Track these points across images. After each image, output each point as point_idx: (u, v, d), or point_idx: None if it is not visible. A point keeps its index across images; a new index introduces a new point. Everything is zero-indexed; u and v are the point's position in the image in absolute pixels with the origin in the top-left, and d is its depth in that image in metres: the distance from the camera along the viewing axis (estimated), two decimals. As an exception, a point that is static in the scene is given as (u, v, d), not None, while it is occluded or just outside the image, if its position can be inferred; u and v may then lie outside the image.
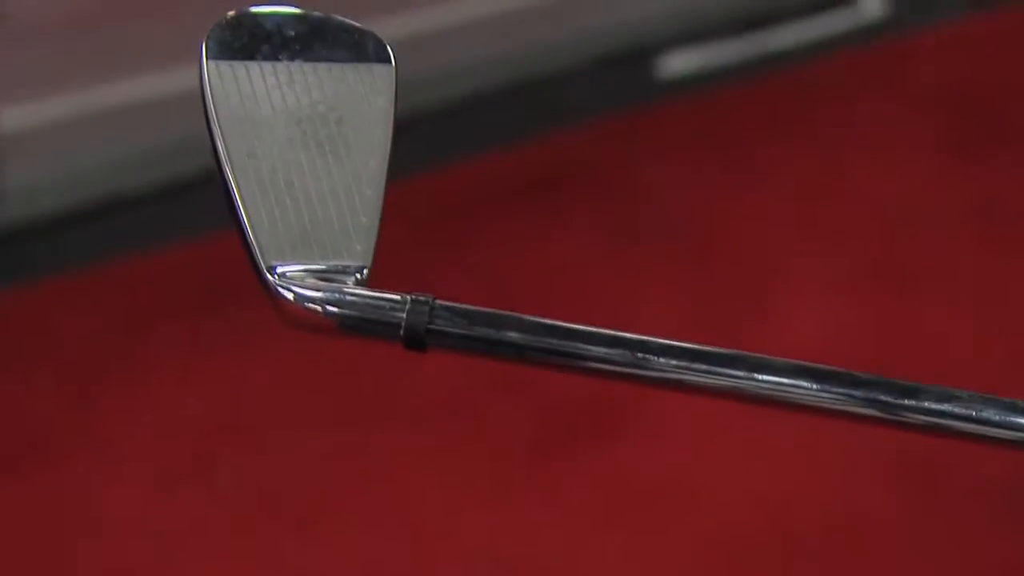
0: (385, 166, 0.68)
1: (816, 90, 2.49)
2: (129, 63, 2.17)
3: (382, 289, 0.64)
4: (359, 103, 0.69)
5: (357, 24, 0.70)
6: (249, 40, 0.68)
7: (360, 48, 0.70)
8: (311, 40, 0.69)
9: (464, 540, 1.79)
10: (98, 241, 2.22)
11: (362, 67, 0.70)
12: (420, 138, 2.41)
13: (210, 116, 0.67)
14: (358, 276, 0.65)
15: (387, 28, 2.75)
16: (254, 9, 0.69)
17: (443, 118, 2.43)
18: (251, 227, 0.64)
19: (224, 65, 0.67)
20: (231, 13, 0.69)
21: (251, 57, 0.68)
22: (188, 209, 2.19)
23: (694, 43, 2.53)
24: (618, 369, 0.65)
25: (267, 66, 0.68)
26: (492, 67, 2.47)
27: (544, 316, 0.66)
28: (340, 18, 0.70)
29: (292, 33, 0.69)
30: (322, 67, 0.68)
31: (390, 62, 0.71)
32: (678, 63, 2.51)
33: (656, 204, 2.25)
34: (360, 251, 0.65)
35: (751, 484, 1.84)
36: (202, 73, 0.67)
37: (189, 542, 1.80)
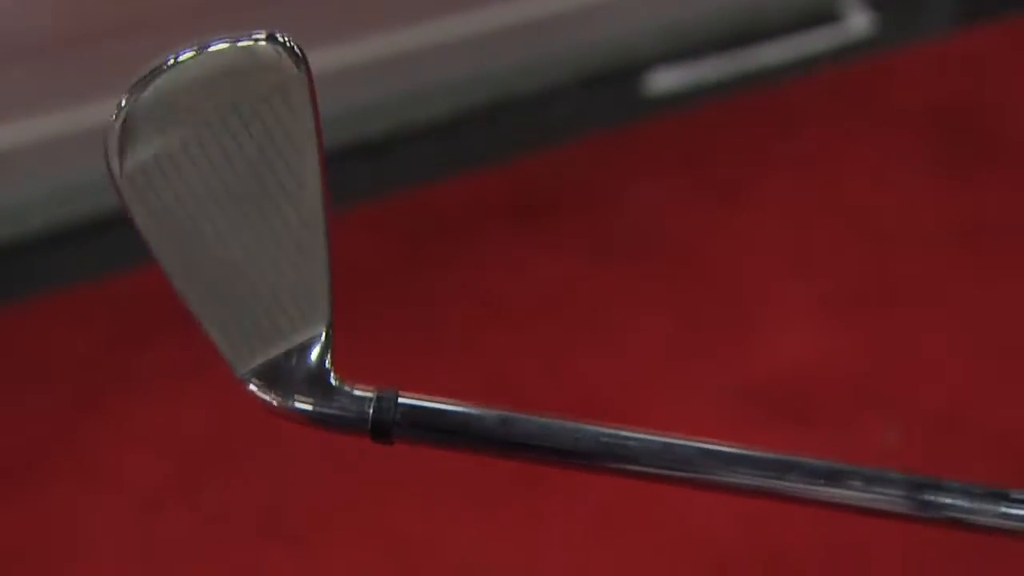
0: (319, 196, 0.66)
1: (802, 108, 2.49)
2: (115, 81, 2.18)
3: (350, 384, 0.68)
4: (280, 137, 0.65)
5: (252, 39, 0.64)
6: (151, 128, 0.64)
7: (266, 68, 0.64)
8: (212, 86, 0.64)
9: (452, 557, 1.79)
10: (87, 260, 2.22)
11: (275, 94, 0.64)
12: (406, 156, 2.41)
13: (142, 233, 0.66)
14: (322, 351, 0.67)
15: (374, 47, 2.73)
16: (135, 90, 0.65)
17: (429, 136, 2.43)
18: (217, 343, 0.69)
19: (135, 175, 0.65)
20: (121, 105, 0.65)
21: (161, 147, 0.64)
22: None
23: (680, 61, 2.54)
24: (576, 462, 0.68)
25: (177, 151, 0.64)
26: (478, 85, 2.48)
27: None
28: (236, 43, 0.64)
29: (190, 90, 0.64)
30: (233, 118, 0.64)
31: (299, 68, 0.64)
32: (664, 81, 2.51)
33: (641, 222, 2.25)
34: (318, 312, 0.67)
35: (739, 500, 1.84)
36: (118, 192, 0.65)
37: (178, 562, 1.79)
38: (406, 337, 2.06)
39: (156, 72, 0.64)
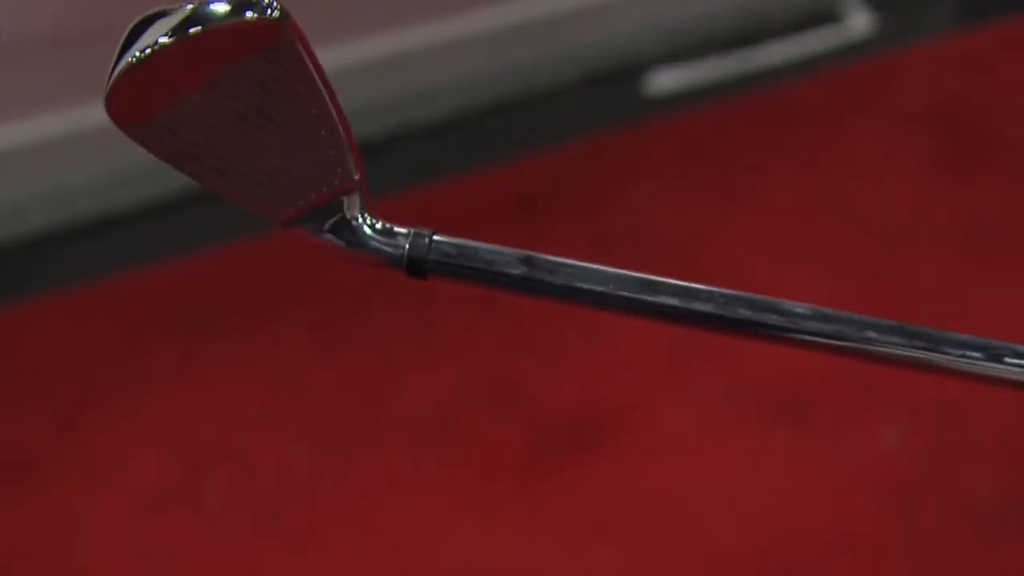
0: (327, 105, 0.69)
1: (803, 107, 2.49)
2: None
3: (390, 224, 0.73)
4: (276, 75, 0.67)
5: (227, 6, 0.64)
6: (149, 93, 0.65)
7: (248, 28, 0.65)
8: (203, 48, 0.64)
9: (453, 557, 1.79)
10: (87, 259, 2.22)
11: (264, 48, 0.65)
12: (406, 156, 2.41)
13: (156, 158, 0.68)
14: (360, 198, 0.72)
15: (376, 46, 2.73)
16: (136, 56, 0.66)
17: (431, 135, 2.43)
18: (252, 209, 0.70)
19: (144, 125, 0.66)
20: (117, 74, 0.66)
21: (154, 112, 0.66)
22: (177, 227, 2.20)
23: (681, 61, 2.54)
24: (597, 303, 0.75)
25: (177, 106, 0.66)
26: (479, 85, 2.48)
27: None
28: (210, 9, 0.64)
29: (184, 51, 0.64)
30: (229, 71, 0.66)
31: (283, 20, 0.65)
32: (665, 81, 2.51)
33: (641, 222, 2.25)
34: (347, 171, 0.70)
35: (738, 499, 1.84)
36: (133, 139, 0.67)
37: (178, 562, 1.79)
38: (406, 337, 2.06)
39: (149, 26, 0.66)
